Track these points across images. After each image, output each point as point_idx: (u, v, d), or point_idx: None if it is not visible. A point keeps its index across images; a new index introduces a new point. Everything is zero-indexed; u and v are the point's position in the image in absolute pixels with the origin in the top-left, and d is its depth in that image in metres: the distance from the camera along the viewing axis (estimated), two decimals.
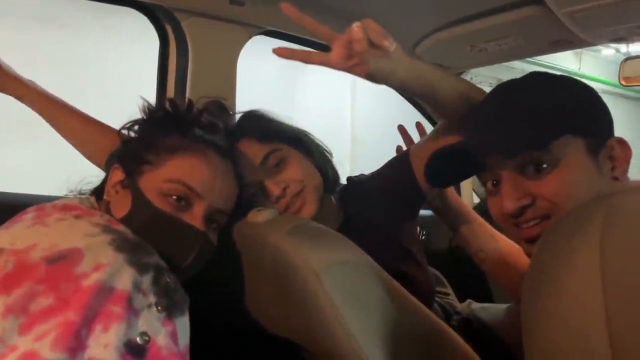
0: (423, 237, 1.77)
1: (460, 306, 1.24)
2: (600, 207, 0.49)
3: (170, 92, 1.29)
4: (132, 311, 0.61)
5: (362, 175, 1.16)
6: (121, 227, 0.72)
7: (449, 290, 1.39)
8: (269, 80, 3.91)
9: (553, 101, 0.74)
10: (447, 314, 1.18)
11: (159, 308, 0.63)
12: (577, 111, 0.73)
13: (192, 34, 1.23)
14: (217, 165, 0.81)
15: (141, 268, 0.65)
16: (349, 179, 1.16)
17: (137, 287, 0.63)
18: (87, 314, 0.58)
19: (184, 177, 0.77)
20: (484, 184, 0.80)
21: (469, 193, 1.93)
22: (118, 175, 0.80)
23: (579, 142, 0.71)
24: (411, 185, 1.02)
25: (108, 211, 0.78)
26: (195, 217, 0.78)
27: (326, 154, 1.09)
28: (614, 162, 0.74)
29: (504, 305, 1.21)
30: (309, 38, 1.46)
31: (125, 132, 0.90)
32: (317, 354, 0.83)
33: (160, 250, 0.72)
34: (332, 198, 1.09)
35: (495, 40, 1.36)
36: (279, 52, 0.71)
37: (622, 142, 0.75)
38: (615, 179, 0.73)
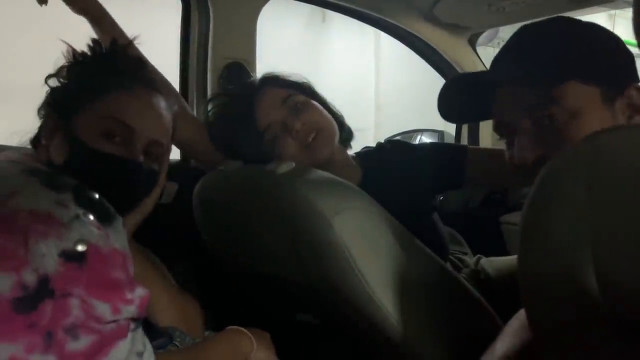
0: (441, 198, 1.80)
1: (470, 261, 1.29)
2: (586, 146, 0.51)
3: (193, 54, 1.34)
4: (60, 225, 0.60)
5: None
6: (35, 164, 0.73)
7: (467, 249, 1.44)
8: (291, 46, 3.90)
9: (567, 45, 0.73)
10: (457, 268, 1.23)
11: (88, 217, 0.63)
12: (592, 58, 0.72)
13: None
14: (147, 98, 0.84)
15: (58, 187, 0.65)
16: (386, 140, 1.24)
17: (58, 203, 0.62)
18: (17, 236, 0.57)
19: (115, 113, 0.79)
20: (501, 136, 0.81)
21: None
22: (52, 121, 0.83)
23: (593, 90, 0.71)
24: (456, 177, 1.11)
25: (48, 157, 0.80)
26: (132, 150, 0.80)
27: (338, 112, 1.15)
28: (633, 110, 0.72)
29: (509, 257, 1.27)
30: (328, 0, 1.48)
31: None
32: (329, 297, 0.89)
33: (105, 189, 0.71)
34: (350, 156, 1.14)
35: None
36: None
37: None
38: None
